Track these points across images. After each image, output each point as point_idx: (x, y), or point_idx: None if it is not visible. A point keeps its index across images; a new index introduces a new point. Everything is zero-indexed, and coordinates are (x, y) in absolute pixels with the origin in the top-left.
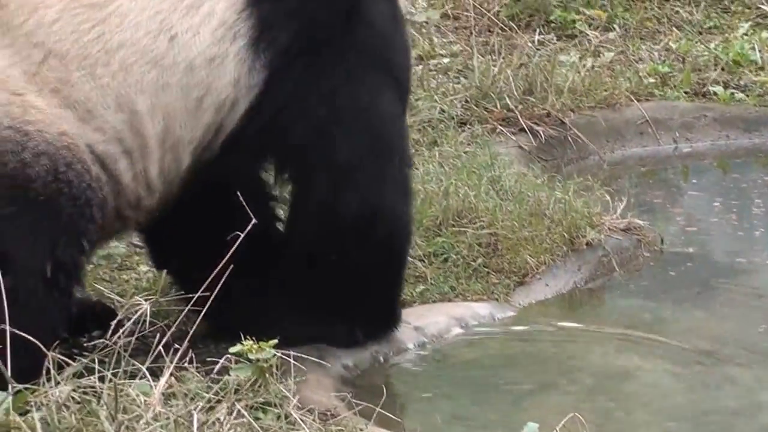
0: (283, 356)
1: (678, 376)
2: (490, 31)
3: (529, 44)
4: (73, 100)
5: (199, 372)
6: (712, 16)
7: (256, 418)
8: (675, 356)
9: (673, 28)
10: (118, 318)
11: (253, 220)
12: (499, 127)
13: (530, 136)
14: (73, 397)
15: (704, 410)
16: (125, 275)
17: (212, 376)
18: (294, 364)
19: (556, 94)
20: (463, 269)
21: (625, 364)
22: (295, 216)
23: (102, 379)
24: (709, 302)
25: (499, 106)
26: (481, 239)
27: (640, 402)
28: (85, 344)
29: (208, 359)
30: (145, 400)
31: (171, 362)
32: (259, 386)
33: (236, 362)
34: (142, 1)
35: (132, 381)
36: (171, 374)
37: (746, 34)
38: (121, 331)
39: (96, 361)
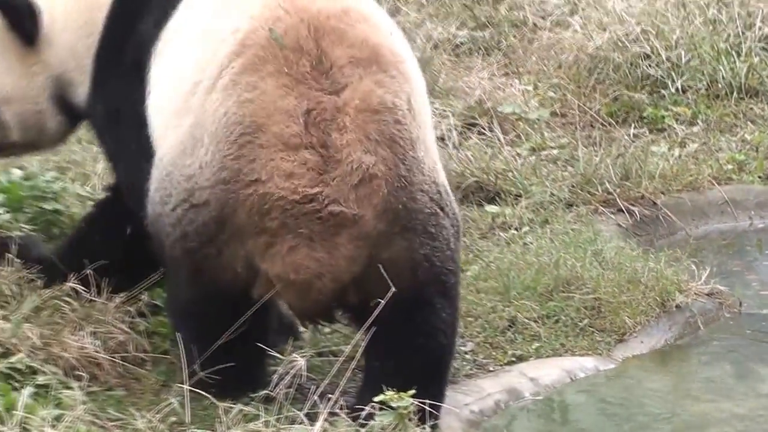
0: (420, 403)
1: (760, 422)
2: (592, 126)
3: (626, 137)
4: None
5: (348, 417)
6: None
7: None
8: (757, 403)
9: (748, 122)
10: (278, 371)
11: None
12: (601, 207)
13: (627, 215)
14: None
15: None
16: None
17: (360, 421)
18: (428, 410)
19: (649, 179)
20: (572, 329)
21: (709, 411)
22: None
23: (266, 423)
24: None
25: (600, 190)
26: (586, 303)
27: None
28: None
29: (357, 407)
30: None
31: (325, 409)
32: (400, 430)
33: (380, 409)
34: None
35: (292, 426)
36: (325, 420)
37: None
38: (282, 382)
39: (261, 408)
